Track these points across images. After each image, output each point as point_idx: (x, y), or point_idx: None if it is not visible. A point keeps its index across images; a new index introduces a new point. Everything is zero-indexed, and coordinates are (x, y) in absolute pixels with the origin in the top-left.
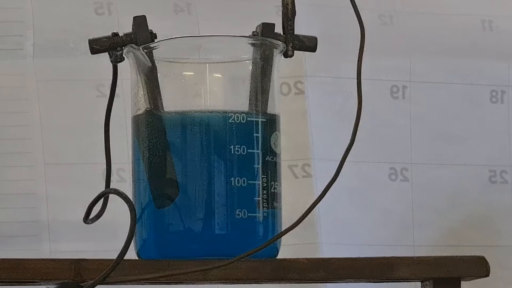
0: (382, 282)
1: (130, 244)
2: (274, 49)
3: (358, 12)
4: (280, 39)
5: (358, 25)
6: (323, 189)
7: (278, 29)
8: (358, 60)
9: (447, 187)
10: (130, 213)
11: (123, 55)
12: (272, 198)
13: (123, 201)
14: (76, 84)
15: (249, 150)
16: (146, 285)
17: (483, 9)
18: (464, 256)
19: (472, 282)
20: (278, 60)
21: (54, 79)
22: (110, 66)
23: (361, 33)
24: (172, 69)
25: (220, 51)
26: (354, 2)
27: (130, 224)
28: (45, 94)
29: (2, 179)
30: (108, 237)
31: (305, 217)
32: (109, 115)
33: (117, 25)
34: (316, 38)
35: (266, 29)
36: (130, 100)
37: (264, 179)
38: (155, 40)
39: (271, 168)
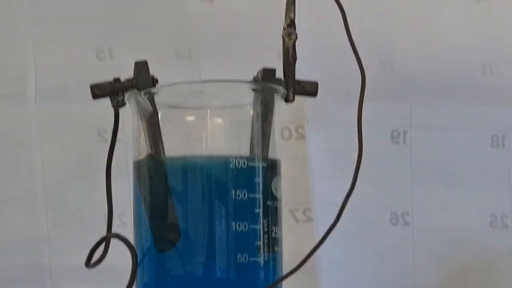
0: None
1: None
2: (275, 94)
3: (359, 57)
4: (281, 84)
5: (359, 70)
6: (324, 233)
7: (279, 74)
8: (359, 105)
9: (448, 232)
10: (132, 257)
11: (125, 100)
12: (273, 243)
13: (124, 245)
14: (78, 129)
15: (250, 195)
16: None
17: (484, 54)
18: None
19: None
20: (279, 105)
21: (56, 123)
22: (111, 111)
23: (361, 78)
24: (173, 114)
25: (221, 96)
26: (355, 47)
27: (132, 268)
28: (47, 138)
29: (4, 222)
30: (110, 281)
31: (306, 261)
32: (111, 159)
33: (118, 69)
34: (317, 83)
35: (267, 74)
36: (132, 145)
37: (265, 223)
38: (157, 85)
39: (272, 213)
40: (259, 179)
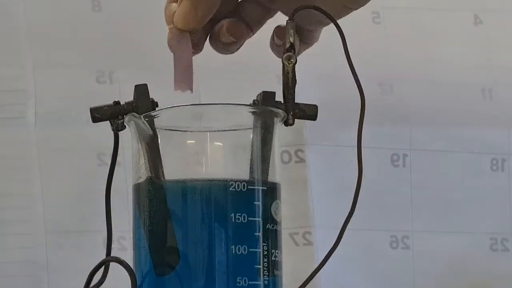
0: None
1: None
2: (275, 118)
3: (359, 80)
4: (280, 107)
5: (359, 93)
6: (324, 257)
7: (279, 97)
8: (359, 129)
9: (448, 255)
10: (131, 281)
11: (125, 124)
12: (273, 266)
13: (124, 268)
14: (77, 153)
15: (249, 218)
16: None
17: (483, 77)
18: None
19: None
20: (279, 129)
21: (56, 148)
22: (111, 134)
23: (361, 102)
24: (173, 138)
25: (221, 120)
26: (354, 71)
27: None
28: (46, 163)
29: (3, 247)
30: None
31: (306, 285)
32: (110, 183)
33: (118, 93)
34: (316, 107)
35: (267, 97)
36: (131, 169)
37: (265, 247)
38: (156, 109)
39: (272, 236)
40: (259, 202)
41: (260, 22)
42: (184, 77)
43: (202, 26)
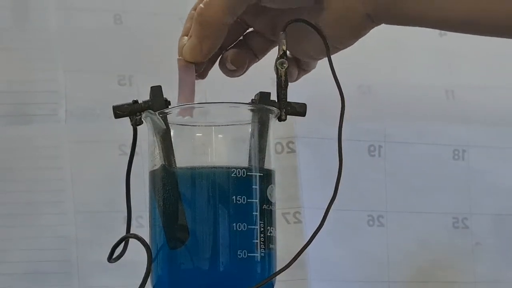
0: None
1: (147, 280)
2: (270, 114)
3: (339, 83)
4: (275, 105)
5: (339, 94)
6: (311, 233)
7: (273, 97)
8: (339, 124)
9: (417, 232)
10: (147, 254)
11: (142, 119)
12: (268, 241)
13: (141, 243)
14: (101, 144)
15: (248, 200)
16: None
17: (446, 81)
18: None
19: None
20: (273, 123)
21: (83, 140)
22: (130, 128)
23: (341, 101)
24: (183, 131)
25: (224, 116)
26: (336, 76)
27: (147, 263)
28: (75, 152)
29: (39, 224)
30: (129, 274)
31: (296, 258)
32: (130, 170)
33: (136, 94)
34: (305, 105)
35: (263, 97)
36: (148, 158)
37: (261, 224)
38: (169, 106)
39: (267, 215)
40: (256, 186)
41: (264, 51)
42: (186, 101)
43: (206, 60)
